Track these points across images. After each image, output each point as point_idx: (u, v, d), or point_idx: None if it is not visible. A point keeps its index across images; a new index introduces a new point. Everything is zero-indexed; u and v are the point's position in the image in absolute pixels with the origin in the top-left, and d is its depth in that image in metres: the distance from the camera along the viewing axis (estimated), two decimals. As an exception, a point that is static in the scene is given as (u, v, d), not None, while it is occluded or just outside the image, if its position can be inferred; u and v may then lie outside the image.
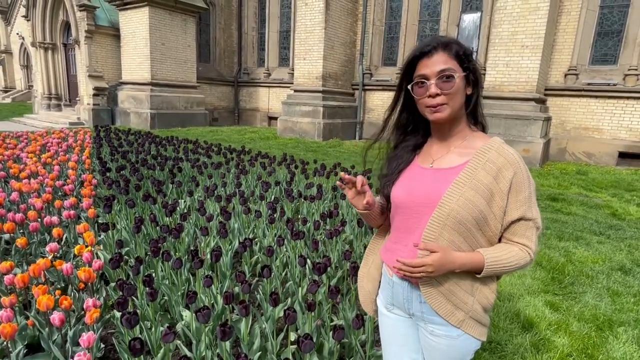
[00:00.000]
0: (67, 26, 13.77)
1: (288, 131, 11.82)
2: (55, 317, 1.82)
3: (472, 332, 1.11)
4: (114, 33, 12.69)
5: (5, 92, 23.52)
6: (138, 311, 2.18)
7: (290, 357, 1.80)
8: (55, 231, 2.83)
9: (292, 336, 2.06)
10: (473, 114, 1.15)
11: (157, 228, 2.95)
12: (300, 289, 2.43)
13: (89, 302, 1.97)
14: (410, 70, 1.11)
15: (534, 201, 1.07)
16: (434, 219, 1.05)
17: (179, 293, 2.26)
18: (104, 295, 2.44)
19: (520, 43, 8.41)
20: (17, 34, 20.04)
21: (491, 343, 2.31)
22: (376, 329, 2.17)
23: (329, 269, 2.26)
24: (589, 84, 9.07)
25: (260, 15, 15.12)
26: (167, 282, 2.45)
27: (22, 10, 14.73)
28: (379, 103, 12.25)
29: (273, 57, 14.83)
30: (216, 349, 1.83)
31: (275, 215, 2.95)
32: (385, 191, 1.22)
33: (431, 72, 1.04)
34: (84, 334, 1.67)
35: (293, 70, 13.29)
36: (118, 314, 1.85)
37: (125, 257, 2.84)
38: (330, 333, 1.96)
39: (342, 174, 1.18)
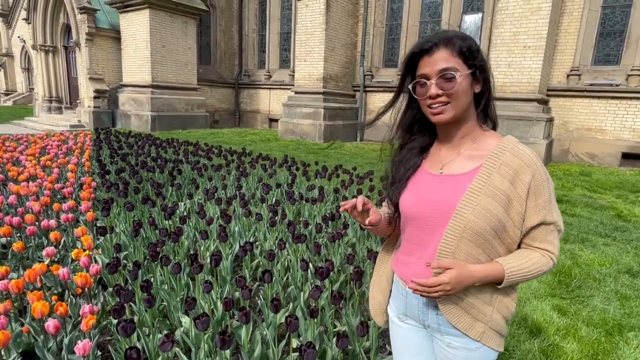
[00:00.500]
0: (67, 29, 13.77)
1: (289, 133, 11.77)
2: (50, 324, 1.77)
3: (491, 344, 1.05)
4: (115, 35, 12.67)
5: (7, 95, 23.55)
6: (136, 317, 2.13)
7: (292, 365, 1.74)
8: (52, 235, 2.78)
9: (294, 343, 2.00)
10: (484, 112, 1.06)
11: (156, 231, 2.90)
12: (302, 293, 2.37)
13: (85, 308, 1.92)
14: (412, 67, 1.04)
15: (554, 203, 1.00)
16: (449, 231, 0.98)
17: (178, 298, 2.21)
18: (101, 301, 2.38)
19: (522, 44, 8.36)
20: (19, 37, 20.05)
21: (498, 349, 2.25)
22: (381, 335, 2.12)
23: (331, 273, 2.20)
24: (591, 85, 9.01)
25: (260, 17, 15.10)
26: (166, 287, 2.39)
27: (23, 13, 14.74)
28: (380, 104, 12.11)
29: (274, 59, 14.81)
30: (216, 356, 1.78)
31: (276, 218, 2.90)
32: (394, 200, 1.14)
33: (432, 71, 0.97)
34: (79, 341, 1.62)
35: (294, 72, 13.25)
36: (115, 321, 1.79)
37: (124, 261, 2.79)
38: (334, 339, 1.90)
39: (342, 205, 1.09)
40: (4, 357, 1.86)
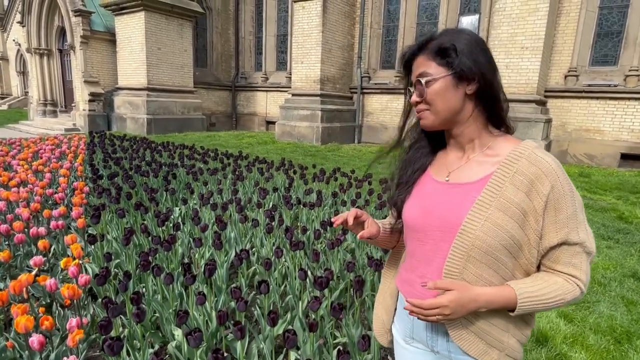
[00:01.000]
0: (62, 32, 13.67)
1: (286, 135, 11.69)
2: (35, 340, 1.68)
3: None
4: (110, 38, 12.57)
5: (2, 98, 23.38)
6: (127, 330, 2.04)
7: (291, 381, 1.66)
8: (40, 243, 2.68)
9: (293, 356, 1.91)
10: (491, 115, 0.93)
11: (149, 239, 2.80)
12: (300, 302, 2.29)
13: (72, 322, 1.83)
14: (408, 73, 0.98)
15: (582, 220, 0.86)
16: (455, 249, 0.88)
17: (171, 310, 2.12)
18: (91, 312, 2.29)
19: (519, 44, 8.32)
20: (14, 40, 19.93)
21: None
22: (382, 349, 2.04)
23: (330, 282, 2.11)
24: (589, 85, 8.98)
25: (257, 20, 15.04)
26: (158, 298, 2.30)
27: (18, 17, 14.62)
28: (377, 106, 12.15)
29: (270, 61, 14.74)
30: (210, 372, 1.68)
31: (273, 224, 2.81)
32: (398, 205, 1.04)
33: (413, 78, 0.93)
34: (65, 358, 1.53)
35: (291, 74, 13.18)
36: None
37: (116, 270, 2.69)
38: (334, 352, 1.82)
39: (333, 220, 1.01)
40: (-13, 375, 1.76)
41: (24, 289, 2.16)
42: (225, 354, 1.34)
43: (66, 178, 4.62)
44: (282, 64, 14.58)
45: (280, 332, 2.05)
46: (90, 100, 12.24)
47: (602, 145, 8.99)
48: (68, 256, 2.94)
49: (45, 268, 2.83)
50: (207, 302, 2.05)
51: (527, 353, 2.23)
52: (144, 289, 2.37)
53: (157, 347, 2.02)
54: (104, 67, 12.74)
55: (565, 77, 9.26)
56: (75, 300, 2.18)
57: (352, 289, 2.55)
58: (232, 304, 2.30)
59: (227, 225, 2.75)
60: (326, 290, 2.36)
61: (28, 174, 4.80)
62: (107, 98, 12.74)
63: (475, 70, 0.87)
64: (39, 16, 13.88)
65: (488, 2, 10.04)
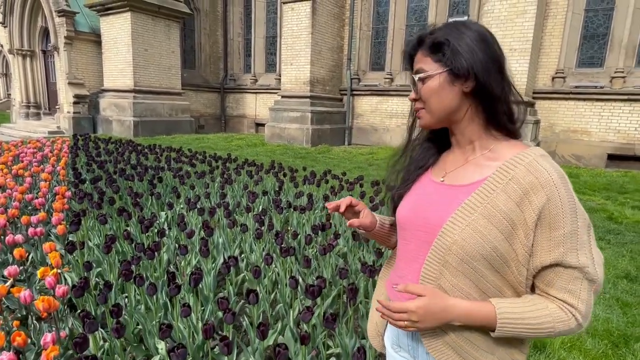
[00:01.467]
0: (46, 32, 13.36)
1: (276, 137, 11.59)
2: (4, 358, 1.56)
3: None
4: (95, 39, 12.33)
5: (-17, 101, 22.78)
6: (107, 344, 1.92)
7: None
8: (17, 252, 2.54)
9: (283, 369, 1.82)
10: (489, 116, 0.85)
11: (132, 246, 2.68)
12: (291, 311, 2.19)
13: (47, 337, 1.71)
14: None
15: (585, 242, 0.76)
16: (432, 252, 0.83)
17: (154, 322, 2.00)
18: (69, 325, 2.16)
19: (508, 46, 8.36)
20: (-5, 41, 19.43)
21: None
22: (377, 358, 1.95)
23: (323, 290, 2.03)
24: (576, 87, 9.07)
25: (246, 21, 14.92)
26: (141, 309, 2.19)
27: (0, 17, 14.26)
28: (367, 108, 12.12)
29: (259, 63, 14.62)
30: (195, 389, 1.58)
31: (262, 229, 2.72)
32: (394, 201, 1.00)
33: (413, 74, 0.89)
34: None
35: (280, 76, 13.08)
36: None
37: (97, 279, 2.56)
38: (327, 365, 1.73)
39: (327, 205, 0.98)
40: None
41: (-3, 302, 2.03)
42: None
43: (47, 182, 4.46)
44: (271, 65, 14.48)
45: (271, 342, 1.96)
46: (75, 103, 11.97)
47: (589, 146, 9.08)
48: (47, 265, 2.81)
49: (21, 278, 2.69)
50: (192, 313, 1.94)
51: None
52: (126, 300, 2.25)
53: (139, 361, 1.91)
54: (89, 69, 12.48)
55: (553, 78, 9.34)
56: (52, 313, 2.06)
57: (344, 296, 2.47)
58: (220, 314, 2.20)
59: (214, 231, 2.64)
60: (318, 298, 2.28)
61: (7, 178, 4.62)
62: (92, 100, 12.48)
63: (469, 67, 0.80)
64: (22, 16, 13.55)
65: (476, 5, 10.10)
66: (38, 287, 2.52)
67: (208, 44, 14.99)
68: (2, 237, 3.03)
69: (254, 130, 14.78)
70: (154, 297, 2.16)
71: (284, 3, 11.25)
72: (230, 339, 1.49)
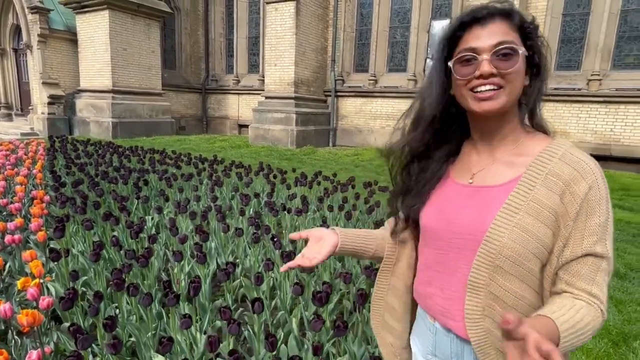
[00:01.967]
0: (17, 30, 12.82)
1: (260, 139, 11.44)
2: (-14, 380, 1.42)
3: None
4: (71, 37, 11.90)
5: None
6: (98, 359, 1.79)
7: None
8: (-7, 261, 2.36)
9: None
10: (534, 112, 0.84)
11: (121, 253, 2.54)
12: (294, 319, 2.11)
13: (33, 355, 1.57)
14: (452, 44, 0.82)
15: (610, 232, 0.75)
16: (480, 259, 0.77)
17: (150, 333, 1.88)
18: (54, 340, 2.01)
19: (491, 49, 8.50)
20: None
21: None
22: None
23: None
24: (555, 89, 9.28)
25: (228, 21, 14.70)
26: (133, 319, 2.06)
27: (-34, 13, 13.60)
28: (352, 109, 12.12)
29: (242, 64, 14.44)
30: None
31: (259, 232, 2.62)
32: (412, 216, 0.92)
33: (484, 45, 0.76)
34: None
35: (263, 77, 12.94)
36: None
37: (83, 289, 2.41)
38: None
39: (290, 236, 0.94)
40: None
41: (-27, 317, 1.86)
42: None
43: (23, 186, 4.22)
44: (254, 66, 14.31)
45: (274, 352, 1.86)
46: (49, 103, 11.51)
47: (568, 146, 9.31)
48: (26, 275, 2.63)
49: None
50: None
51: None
52: (117, 310, 2.11)
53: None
54: (65, 68, 12.04)
55: (533, 81, 9.55)
56: (35, 327, 1.91)
57: (346, 301, 2.40)
58: (218, 322, 2.10)
59: (209, 237, 2.53)
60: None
61: (-22, 183, 4.35)
62: (68, 101, 12.03)
63: (541, 60, 0.79)
64: (-9, 13, 12.97)
65: (458, 8, 10.24)
66: (18, 299, 2.35)
67: (189, 43, 14.71)
68: (-24, 245, 2.83)
69: (236, 131, 14.57)
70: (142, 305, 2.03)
71: (267, 3, 11.13)
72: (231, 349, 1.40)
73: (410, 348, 1.02)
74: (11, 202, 3.73)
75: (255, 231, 2.70)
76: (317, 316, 1.53)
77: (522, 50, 0.76)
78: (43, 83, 11.47)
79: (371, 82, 11.71)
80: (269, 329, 2.10)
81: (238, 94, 14.43)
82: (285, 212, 3.32)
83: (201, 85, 15.08)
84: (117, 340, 1.37)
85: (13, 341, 1.94)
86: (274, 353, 1.46)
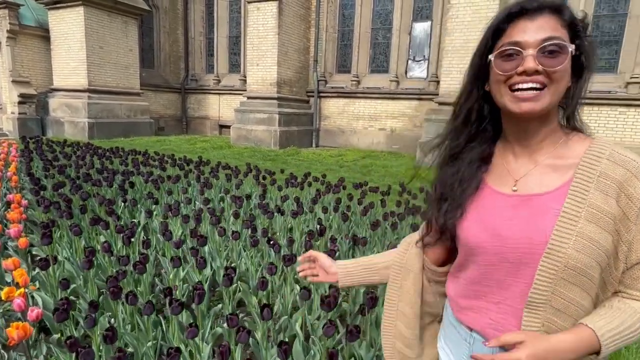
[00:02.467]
0: (-16, 26, 12.21)
1: (242, 139, 11.30)
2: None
3: None
4: (43, 34, 11.43)
5: None
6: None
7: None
8: (-27, 271, 2.22)
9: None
10: (573, 112, 0.80)
11: (112, 259, 2.43)
12: (297, 324, 2.06)
13: (26, 371, 1.47)
14: (496, 35, 0.76)
15: None
16: (543, 272, 0.72)
17: (149, 343, 1.80)
18: (43, 353, 1.90)
19: (472, 51, 8.63)
20: None
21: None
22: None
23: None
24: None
25: (208, 20, 14.46)
26: (129, 329, 1.96)
27: None
28: (334, 110, 12.13)
29: (223, 63, 14.23)
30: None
31: (256, 236, 2.55)
32: (449, 226, 0.86)
33: (530, 40, 0.71)
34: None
35: (245, 77, 12.80)
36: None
37: (71, 297, 2.29)
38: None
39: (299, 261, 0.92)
40: None
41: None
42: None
43: (-2, 190, 4.01)
44: (235, 66, 14.13)
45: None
46: (20, 102, 11.01)
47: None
48: (8, 284, 2.49)
49: (-22, 300, 2.35)
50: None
51: None
52: (112, 320, 2.02)
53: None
54: (37, 66, 11.55)
55: (512, 82, 9.78)
56: (24, 341, 1.79)
57: (345, 304, 2.37)
58: (219, 329, 2.03)
59: (207, 241, 2.45)
60: (315, 306, 2.16)
61: (-51, 186, 4.10)
62: (40, 100, 11.55)
63: (589, 61, 0.76)
64: (-44, 7, 12.31)
65: (439, 10, 10.40)
66: (1, 311, 2.21)
67: (168, 42, 14.38)
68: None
69: (217, 132, 14.35)
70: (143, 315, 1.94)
71: (249, 2, 11.01)
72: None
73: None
74: (-14, 207, 3.54)
75: (252, 234, 2.64)
76: (329, 322, 1.49)
77: (571, 48, 0.72)
78: (13, 81, 10.97)
79: (354, 82, 11.75)
80: (271, 334, 2.05)
81: (219, 94, 14.22)
82: (279, 214, 3.27)
83: (181, 85, 14.78)
84: (122, 353, 1.30)
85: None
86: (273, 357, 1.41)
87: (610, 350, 0.70)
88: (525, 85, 0.73)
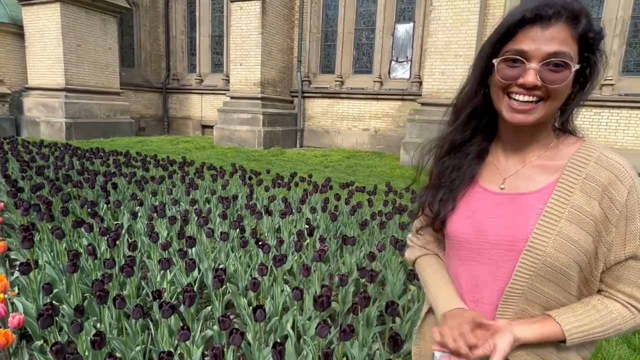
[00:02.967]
0: (-46, 22, 11.72)
1: (225, 140, 11.19)
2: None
3: None
4: (17, 31, 11.05)
5: None
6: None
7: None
8: (-52, 277, 2.12)
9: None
10: (570, 119, 0.81)
11: (97, 262, 2.36)
12: (287, 324, 2.05)
13: (10, 379, 1.42)
14: (505, 38, 0.74)
15: None
16: (521, 270, 0.74)
17: (138, 348, 1.76)
18: (27, 360, 1.83)
19: (454, 52, 8.80)
20: None
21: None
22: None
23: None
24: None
25: (189, 19, 14.26)
26: (115, 333, 1.92)
27: None
28: (319, 110, 12.14)
29: (205, 63, 14.05)
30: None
31: (245, 236, 2.53)
32: (442, 212, 0.87)
33: (537, 51, 0.70)
34: None
35: (228, 77, 12.68)
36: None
37: (55, 302, 2.21)
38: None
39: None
40: None
41: None
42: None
43: (-28, 192, 3.85)
44: (217, 65, 13.97)
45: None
46: (-8, 102, 10.62)
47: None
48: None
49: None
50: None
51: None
52: (98, 325, 1.96)
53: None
54: (10, 64, 11.16)
55: (493, 84, 9.99)
56: (5, 349, 1.73)
57: (335, 303, 2.38)
58: (209, 332, 2.00)
59: (195, 242, 2.41)
60: (308, 304, 2.16)
61: None
62: (14, 99, 11.17)
63: (593, 73, 0.76)
64: None
65: (422, 12, 10.54)
66: (-21, 317, 2.12)
67: (148, 41, 14.12)
68: None
69: (200, 132, 14.17)
70: (130, 319, 1.90)
71: (232, 1, 10.91)
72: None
73: None
74: (-41, 210, 3.39)
75: (241, 235, 2.61)
76: (323, 322, 1.49)
77: (575, 67, 0.71)
78: (-15, 80, 10.58)
79: (337, 83, 11.78)
80: (262, 335, 2.03)
81: (201, 93, 14.03)
82: (267, 214, 3.25)
83: (162, 85, 14.52)
84: (112, 358, 1.26)
85: (-21, 365, 1.75)
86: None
87: (575, 343, 0.74)
88: (521, 98, 0.73)
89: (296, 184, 4.37)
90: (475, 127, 0.88)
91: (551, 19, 0.70)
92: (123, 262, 2.13)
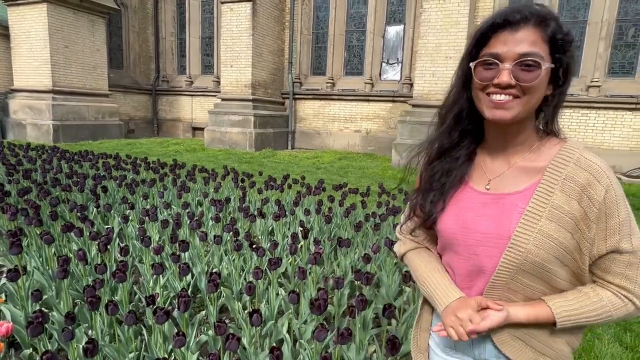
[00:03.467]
0: (-64, 22, 11.46)
1: (216, 142, 11.12)
2: None
3: None
4: (2, 32, 10.86)
5: None
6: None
7: None
8: None
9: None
10: (552, 120, 0.86)
11: (88, 267, 2.32)
12: (283, 327, 2.03)
13: (-1, 390, 1.38)
14: (481, 43, 0.80)
15: (634, 226, 0.79)
16: (504, 266, 0.80)
17: (131, 354, 1.72)
18: (16, 369, 1.79)
19: (444, 54, 8.88)
20: None
21: None
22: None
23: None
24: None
25: (179, 20, 14.16)
26: (107, 340, 1.88)
27: None
28: (310, 112, 12.14)
29: (195, 64, 13.96)
30: None
31: (239, 239, 2.50)
32: (433, 212, 0.92)
33: (509, 53, 0.75)
34: None
35: (218, 78, 12.61)
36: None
37: (42, 309, 2.16)
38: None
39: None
40: None
41: None
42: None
43: (-44, 197, 3.74)
44: (208, 67, 13.89)
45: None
46: (-23, 104, 10.41)
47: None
48: (-28, 297, 2.33)
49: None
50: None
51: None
52: (89, 332, 1.92)
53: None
54: (-5, 66, 10.96)
55: (482, 85, 10.09)
56: (-7, 357, 1.68)
57: (330, 306, 2.36)
58: (204, 337, 1.97)
59: (188, 246, 2.37)
60: (304, 308, 2.14)
61: None
62: (-1, 101, 10.96)
63: (568, 73, 0.80)
64: None
65: (412, 14, 10.62)
66: (-35, 326, 2.06)
67: (137, 42, 13.97)
68: None
69: (190, 134, 14.06)
70: (122, 325, 1.86)
71: (222, 3, 10.86)
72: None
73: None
74: (-57, 215, 3.30)
75: (235, 238, 2.58)
76: (320, 325, 1.47)
77: (546, 66, 0.76)
78: (-31, 82, 10.36)
79: (329, 85, 11.80)
80: (257, 340, 2.01)
81: (191, 95, 13.94)
82: (261, 217, 3.22)
83: (151, 86, 14.38)
84: (106, 366, 1.23)
85: (-34, 375, 1.70)
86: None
87: (566, 326, 0.80)
88: (497, 97, 0.78)
89: (289, 186, 4.35)
90: (463, 131, 0.92)
91: (520, 23, 0.76)
92: (115, 267, 2.09)
